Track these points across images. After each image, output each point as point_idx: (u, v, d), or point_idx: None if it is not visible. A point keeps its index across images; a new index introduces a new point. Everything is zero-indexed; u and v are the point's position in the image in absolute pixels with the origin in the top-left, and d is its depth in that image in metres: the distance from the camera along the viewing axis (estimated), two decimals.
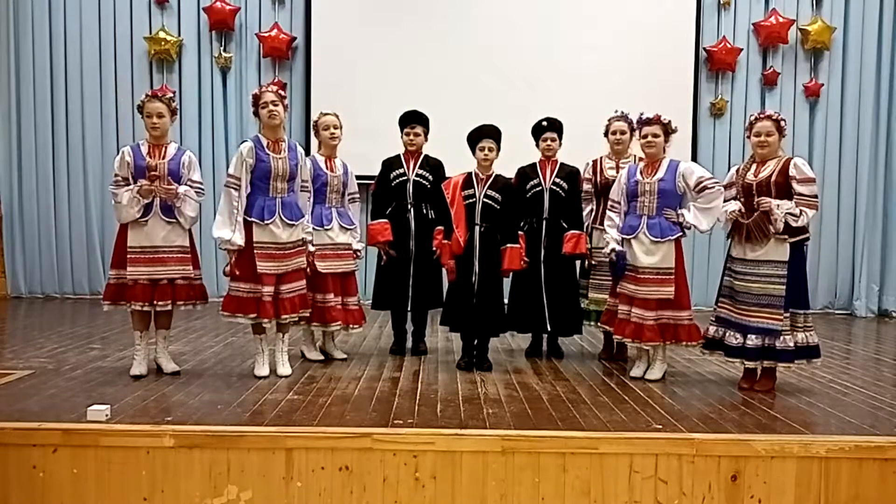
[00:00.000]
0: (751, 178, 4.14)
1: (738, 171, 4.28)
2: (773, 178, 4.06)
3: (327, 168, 4.78)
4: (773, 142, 4.13)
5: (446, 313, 4.72)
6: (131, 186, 4.20)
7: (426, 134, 5.12)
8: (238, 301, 4.24)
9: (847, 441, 3.27)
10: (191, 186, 4.33)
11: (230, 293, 4.28)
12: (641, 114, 4.52)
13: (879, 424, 3.56)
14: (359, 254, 4.93)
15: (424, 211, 5.04)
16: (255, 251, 4.18)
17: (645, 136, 4.44)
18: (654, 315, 4.35)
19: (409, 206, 5.04)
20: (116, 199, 4.24)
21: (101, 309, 4.42)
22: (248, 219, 4.20)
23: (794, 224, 3.99)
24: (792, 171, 4.04)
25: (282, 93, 4.38)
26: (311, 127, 4.93)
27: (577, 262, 5.14)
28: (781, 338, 4.06)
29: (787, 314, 4.07)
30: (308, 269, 4.43)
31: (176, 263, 4.29)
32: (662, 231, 4.33)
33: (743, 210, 4.10)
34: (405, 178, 5.06)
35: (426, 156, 5.13)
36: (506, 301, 4.82)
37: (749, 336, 4.12)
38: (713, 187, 4.25)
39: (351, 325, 4.87)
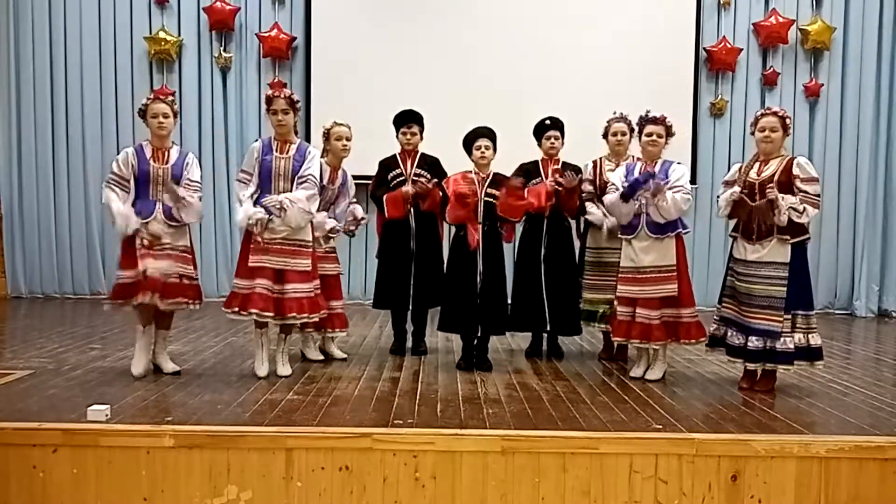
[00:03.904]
0: (753, 176, 4.13)
1: (740, 168, 4.28)
2: (777, 177, 4.05)
3: (329, 179, 4.76)
4: (776, 138, 4.12)
5: (445, 316, 4.67)
6: (131, 220, 4.16)
7: (422, 133, 5.12)
8: (241, 297, 4.24)
9: (847, 441, 3.27)
10: (188, 186, 4.31)
11: (233, 289, 4.30)
12: (647, 111, 4.47)
13: (879, 424, 3.56)
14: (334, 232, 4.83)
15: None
16: (251, 245, 4.21)
17: (649, 135, 4.42)
18: (658, 314, 4.34)
19: (409, 206, 5.03)
20: (109, 201, 4.20)
21: (101, 309, 4.43)
22: None
23: (795, 220, 3.98)
24: (795, 171, 4.04)
25: (294, 98, 4.39)
26: (322, 135, 4.89)
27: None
28: (781, 339, 4.04)
29: (788, 316, 4.06)
30: (316, 271, 4.41)
31: (180, 262, 4.31)
32: (661, 227, 4.33)
33: (744, 191, 4.07)
34: (403, 177, 5.05)
35: (423, 154, 5.13)
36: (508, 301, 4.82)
37: (751, 338, 4.11)
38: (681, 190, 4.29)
39: (337, 330, 4.89)
